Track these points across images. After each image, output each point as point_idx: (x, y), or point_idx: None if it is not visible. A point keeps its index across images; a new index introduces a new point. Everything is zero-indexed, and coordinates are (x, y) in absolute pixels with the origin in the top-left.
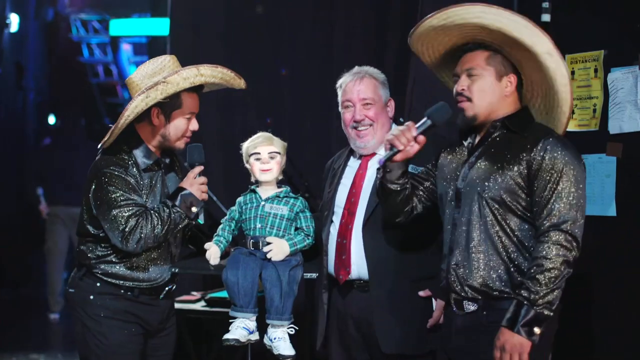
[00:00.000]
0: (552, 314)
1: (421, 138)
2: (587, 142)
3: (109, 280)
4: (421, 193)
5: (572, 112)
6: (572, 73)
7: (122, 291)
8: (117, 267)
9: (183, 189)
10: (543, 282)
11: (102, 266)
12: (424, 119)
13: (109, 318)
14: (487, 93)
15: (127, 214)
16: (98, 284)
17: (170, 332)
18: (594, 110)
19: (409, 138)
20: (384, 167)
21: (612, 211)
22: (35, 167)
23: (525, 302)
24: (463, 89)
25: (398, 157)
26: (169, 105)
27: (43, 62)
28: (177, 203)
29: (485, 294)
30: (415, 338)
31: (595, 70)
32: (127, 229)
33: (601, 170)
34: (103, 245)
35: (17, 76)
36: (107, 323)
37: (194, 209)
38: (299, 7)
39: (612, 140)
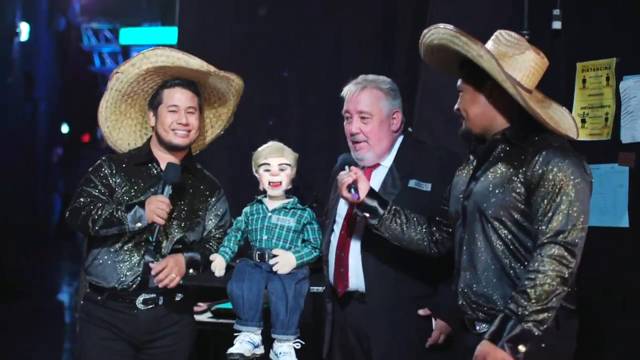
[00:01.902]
0: (540, 333)
1: None
2: (599, 151)
3: (90, 279)
4: (441, 224)
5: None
6: (584, 81)
7: (99, 297)
8: (93, 264)
9: (144, 203)
10: (533, 297)
11: (88, 268)
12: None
13: (86, 322)
14: (469, 105)
15: (79, 195)
16: (88, 290)
17: (171, 351)
18: (606, 119)
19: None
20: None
21: (624, 222)
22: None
23: (512, 317)
24: (458, 109)
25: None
26: (154, 104)
27: (54, 72)
28: (126, 211)
29: (495, 316)
30: (413, 356)
31: (607, 79)
32: (74, 204)
33: (613, 180)
34: (90, 246)
35: (26, 86)
36: (85, 327)
37: (138, 224)
38: (306, 13)
39: (624, 150)
